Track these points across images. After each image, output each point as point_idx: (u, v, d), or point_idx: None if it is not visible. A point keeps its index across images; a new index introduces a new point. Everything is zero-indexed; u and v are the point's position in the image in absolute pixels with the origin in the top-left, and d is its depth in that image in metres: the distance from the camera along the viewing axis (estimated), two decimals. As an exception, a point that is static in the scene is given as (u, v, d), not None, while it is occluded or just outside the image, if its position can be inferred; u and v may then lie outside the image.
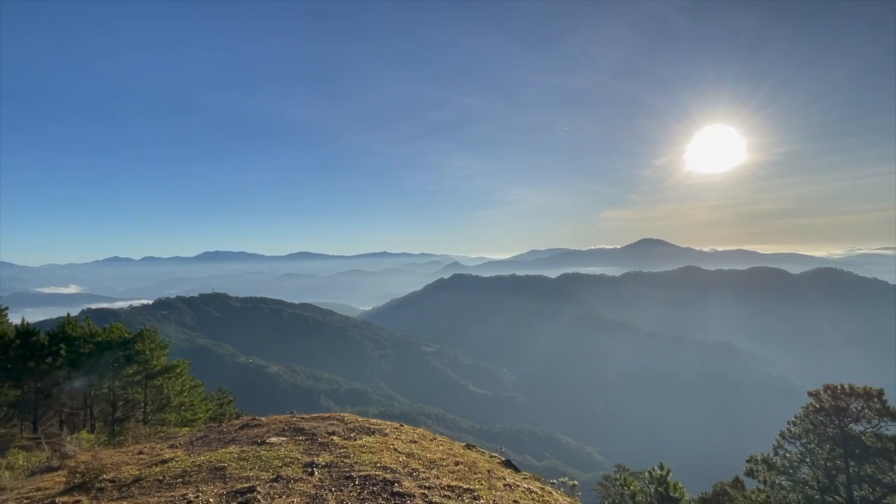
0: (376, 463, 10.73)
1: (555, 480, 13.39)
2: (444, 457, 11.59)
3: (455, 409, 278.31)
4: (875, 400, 26.71)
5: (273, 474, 10.31)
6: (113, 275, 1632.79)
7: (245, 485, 9.75)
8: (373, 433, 13.27)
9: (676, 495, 21.46)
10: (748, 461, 31.27)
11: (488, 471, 11.13)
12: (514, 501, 9.57)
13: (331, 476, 10.21)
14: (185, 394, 34.45)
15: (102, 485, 11.06)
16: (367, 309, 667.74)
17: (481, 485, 10.12)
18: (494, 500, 9.33)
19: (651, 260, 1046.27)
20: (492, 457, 13.63)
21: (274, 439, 13.02)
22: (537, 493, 10.25)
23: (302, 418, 16.11)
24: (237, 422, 17.39)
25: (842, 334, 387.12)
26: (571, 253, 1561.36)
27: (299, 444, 12.40)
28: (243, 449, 12.23)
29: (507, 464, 13.14)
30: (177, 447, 14.27)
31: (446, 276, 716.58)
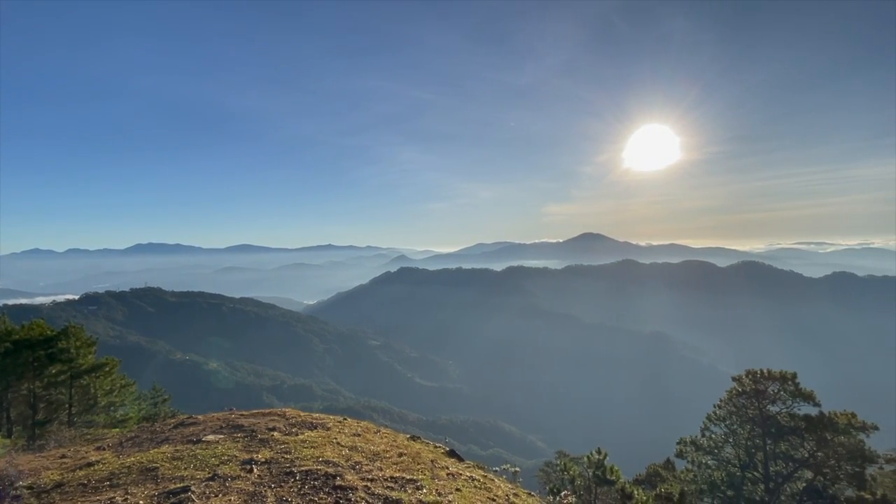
0: (318, 457, 10.58)
1: (497, 468, 13.70)
2: (388, 449, 11.60)
3: (401, 401, 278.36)
4: (789, 383, 28.96)
5: (209, 473, 9.95)
6: (33, 268, 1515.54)
7: (178, 485, 9.37)
8: (315, 428, 13.06)
9: (612, 478, 22.39)
10: (678, 443, 33.16)
11: (432, 461, 11.24)
12: (457, 489, 9.73)
13: (270, 472, 9.99)
14: (115, 393, 32.55)
15: (18, 492, 10.31)
16: (312, 303, 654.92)
17: (424, 475, 10.21)
18: (437, 489, 9.46)
19: (591, 253, 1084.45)
20: (436, 447, 13.76)
21: (211, 437, 12.57)
22: (479, 481, 10.46)
23: (241, 415, 15.64)
24: (172, 421, 16.66)
25: (763, 322, 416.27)
26: (516, 246, 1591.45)
27: (238, 442, 12.03)
28: (177, 448, 11.74)
29: (451, 453, 13.31)
30: (104, 449, 13.50)
31: (393, 269, 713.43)
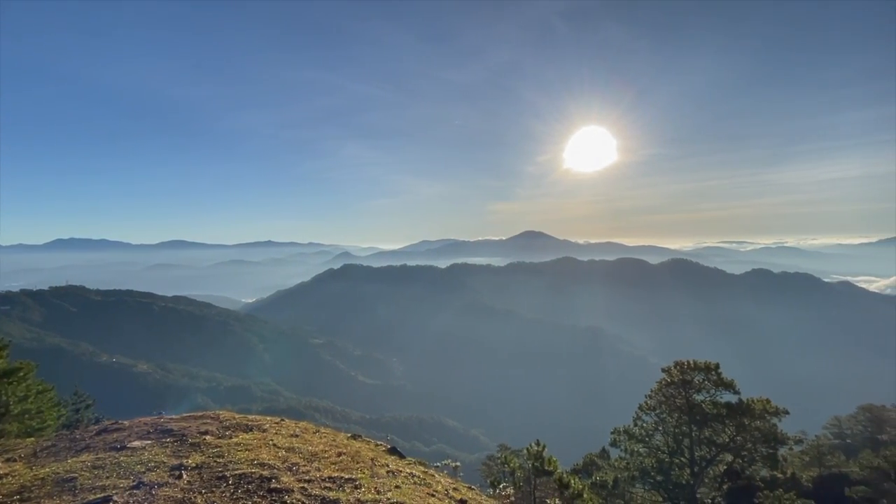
0: (253, 460, 10.22)
1: (438, 463, 13.79)
2: (327, 449, 11.38)
3: (344, 400, 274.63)
4: (712, 373, 30.90)
5: (133, 481, 9.39)
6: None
7: (99, 495, 8.77)
8: (251, 430, 12.62)
9: (550, 468, 23.10)
10: (612, 433, 34.63)
11: (372, 459, 11.15)
12: (396, 486, 9.71)
13: (201, 478, 9.56)
14: (31, 400, 29.99)
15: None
16: (251, 301, 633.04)
17: (363, 473, 10.11)
18: (376, 487, 9.39)
19: (533, 251, 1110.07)
20: (377, 445, 13.67)
21: (136, 443, 11.87)
22: (419, 477, 10.48)
23: (171, 419, 14.88)
24: (95, 427, 15.60)
25: (690, 316, 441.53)
26: (461, 244, 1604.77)
27: (166, 447, 11.44)
28: (99, 456, 11.00)
29: (393, 451, 13.27)
30: (16, 460, 12.44)
31: (336, 266, 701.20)
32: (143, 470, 10.03)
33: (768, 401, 30.61)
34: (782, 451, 32.02)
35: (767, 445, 30.68)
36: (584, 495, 24.35)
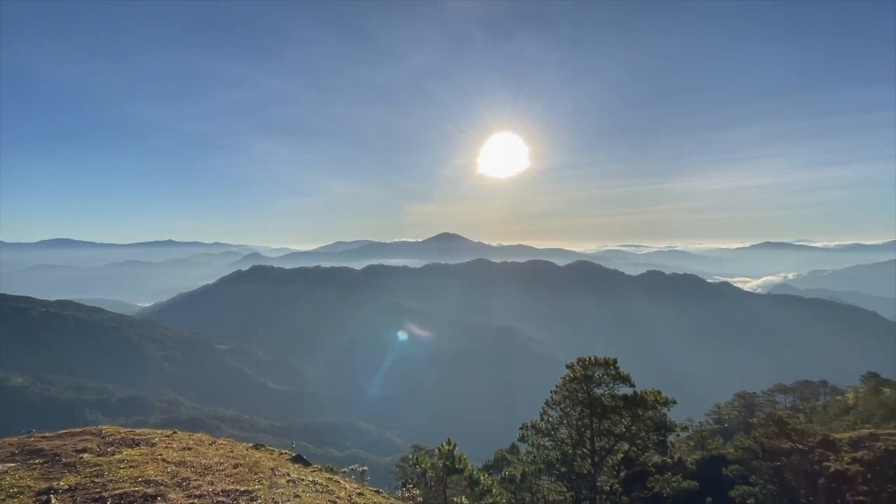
0: (137, 478, 9.36)
1: (346, 469, 13.49)
2: (223, 461, 10.69)
3: (253, 408, 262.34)
4: (611, 367, 32.92)
5: (-11, 511, 8.29)
6: None
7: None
8: (137, 445, 11.57)
9: (461, 466, 23.48)
10: (521, 428, 35.81)
11: (272, 469, 10.64)
12: (296, 496, 9.34)
13: (74, 501, 8.61)
14: None
15: None
16: (148, 305, 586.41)
17: (261, 484, 9.62)
18: (274, 498, 8.98)
19: (449, 253, 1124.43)
20: (280, 454, 13.10)
21: (-3, 467, 10.45)
22: (322, 485, 10.17)
23: (44, 437, 13.30)
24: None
25: (593, 315, 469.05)
26: (377, 245, 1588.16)
27: (34, 469, 10.19)
28: (-54, 486, 9.56)
29: (297, 459, 12.79)
30: None
31: (245, 267, 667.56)
32: (3, 497, 8.88)
33: (659, 392, 33.13)
34: (671, 437, 34.82)
35: (658, 433, 33.18)
36: (493, 491, 25.02)
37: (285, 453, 13.51)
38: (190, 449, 11.36)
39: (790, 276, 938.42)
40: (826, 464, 39.27)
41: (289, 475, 10.34)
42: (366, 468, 14.55)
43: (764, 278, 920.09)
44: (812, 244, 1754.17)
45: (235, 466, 10.33)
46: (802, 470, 36.26)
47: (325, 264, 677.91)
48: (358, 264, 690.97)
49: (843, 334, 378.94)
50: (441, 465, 23.82)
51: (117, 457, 10.67)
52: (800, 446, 37.01)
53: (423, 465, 24.45)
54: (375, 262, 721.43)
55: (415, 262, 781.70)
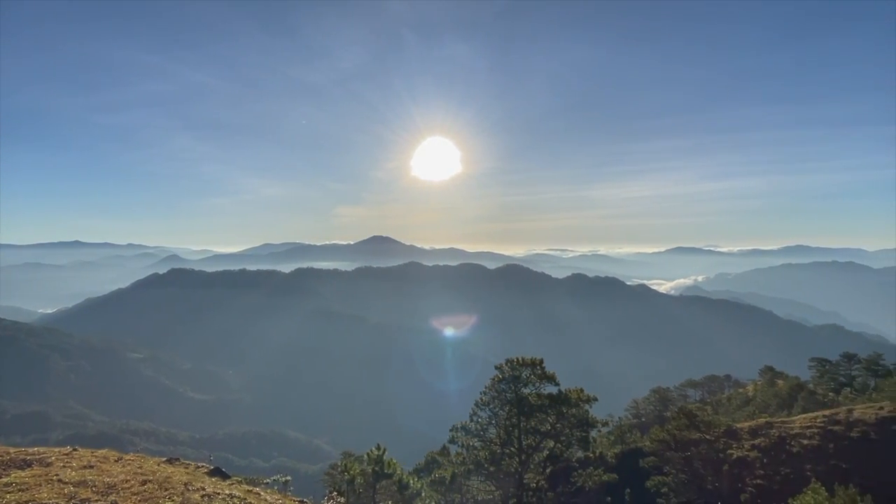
0: (27, 502, 8.51)
1: (268, 480, 13.00)
2: (129, 478, 9.92)
3: (171, 420, 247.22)
4: (538, 367, 34.01)
5: None
6: None
7: None
8: (29, 465, 10.47)
9: (390, 471, 23.34)
10: (451, 430, 36.14)
11: (185, 484, 10.02)
12: (213, 511, 8.89)
13: (-46, 532, 7.70)
14: None
15: None
16: (51, 311, 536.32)
17: (172, 501, 9.03)
18: (188, 515, 8.48)
19: (381, 256, 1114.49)
20: (197, 467, 12.38)
21: None
22: (239, 497, 9.69)
23: (-83, 462, 11.74)
24: None
25: (521, 316, 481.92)
26: (306, 247, 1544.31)
27: None
28: None
29: (215, 472, 12.15)
30: None
31: (162, 270, 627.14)
32: None
33: (582, 390, 34.62)
34: (593, 433, 36.46)
35: (581, 430, 34.64)
36: (423, 493, 25.08)
37: (202, 466, 12.80)
38: (92, 467, 10.43)
39: (699, 278, 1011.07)
40: (730, 451, 42.64)
41: (204, 490, 9.77)
42: (289, 478, 14.10)
43: (677, 281, 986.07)
44: (718, 249, 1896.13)
45: (144, 483, 9.61)
46: (709, 458, 39.13)
47: (251, 267, 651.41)
48: (286, 267, 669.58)
49: (744, 332, 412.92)
50: (370, 470, 23.57)
51: (4, 480, 9.61)
52: (707, 436, 39.92)
53: (351, 472, 24.06)
54: (304, 264, 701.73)
55: (346, 265, 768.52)
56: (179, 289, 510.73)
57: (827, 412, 46.22)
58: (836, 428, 42.04)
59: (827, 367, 68.02)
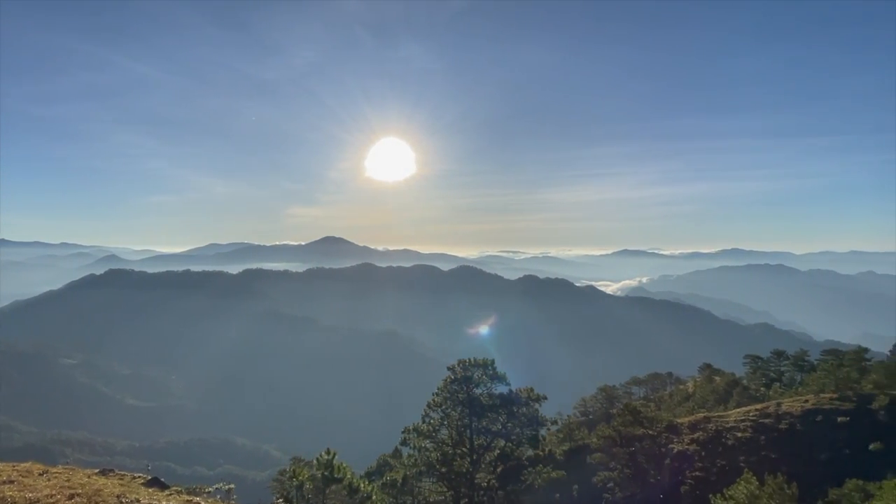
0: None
1: (211, 488, 12.55)
2: (55, 493, 9.31)
3: (108, 429, 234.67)
4: (489, 368, 34.44)
5: None
6: None
7: None
8: (-57, 482, 9.68)
9: (340, 475, 23.01)
10: (403, 432, 36.01)
11: (118, 496, 9.51)
12: (149, 523, 8.50)
13: None
14: None
15: None
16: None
17: (105, 514, 8.60)
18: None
19: (333, 257, 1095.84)
20: (133, 478, 11.78)
21: None
22: (179, 507, 9.34)
23: None
24: None
25: (475, 318, 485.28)
26: (256, 248, 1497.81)
27: None
28: None
29: (153, 482, 11.61)
30: None
31: (99, 271, 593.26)
32: None
33: (532, 389, 35.33)
34: (543, 431, 37.30)
35: (531, 428, 35.36)
36: (374, 497, 24.85)
37: (139, 477, 12.19)
38: (13, 482, 9.70)
39: (644, 280, 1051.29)
40: (671, 446, 44.61)
41: (139, 501, 9.29)
42: (232, 486, 13.65)
43: (623, 282, 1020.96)
44: (661, 252, 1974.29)
45: (71, 498, 9.03)
46: (652, 453, 40.78)
47: (196, 268, 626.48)
48: (234, 268, 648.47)
49: (685, 331, 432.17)
50: (319, 475, 23.15)
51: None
52: (650, 432, 41.57)
53: (300, 478, 23.53)
54: (253, 265, 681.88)
55: (297, 266, 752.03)
56: (118, 290, 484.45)
57: (758, 406, 49.15)
58: (766, 421, 44.76)
59: (759, 363, 72.20)
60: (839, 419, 41.58)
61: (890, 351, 66.92)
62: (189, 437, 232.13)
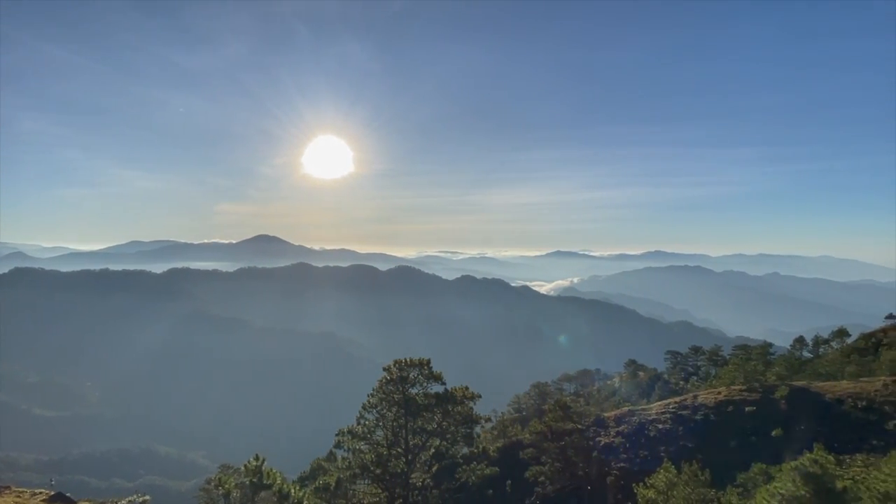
0: None
1: (123, 501, 11.90)
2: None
3: (11, 442, 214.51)
4: (425, 367, 34.60)
5: None
6: None
7: None
8: None
9: (269, 482, 22.41)
10: (337, 434, 35.49)
11: (21, 513, 8.87)
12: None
13: None
14: None
15: None
16: None
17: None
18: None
19: (266, 256, 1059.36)
20: (33, 495, 10.94)
21: None
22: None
23: None
24: None
25: (412, 318, 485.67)
26: (182, 246, 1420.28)
27: None
28: None
29: (56, 498, 10.84)
30: None
31: (4, 269, 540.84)
32: None
33: (467, 388, 35.85)
34: (477, 429, 37.91)
35: (466, 426, 35.85)
36: (305, 502, 24.35)
37: (40, 493, 11.34)
38: None
39: (575, 280, 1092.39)
40: (598, 439, 46.74)
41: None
42: (147, 497, 13.03)
43: (555, 282, 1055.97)
44: (591, 253, 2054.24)
45: (-32, 518, 8.32)
46: (581, 446, 42.52)
47: (115, 267, 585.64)
48: (158, 267, 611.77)
49: (612, 329, 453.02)
50: (248, 482, 22.44)
51: None
52: (579, 426, 43.37)
53: (226, 486, 22.71)
54: (179, 264, 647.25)
55: (227, 266, 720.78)
56: (25, 291, 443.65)
57: (677, 399, 52.46)
58: (684, 412, 47.84)
59: (679, 359, 77.21)
60: (747, 409, 45.12)
61: (791, 346, 73.53)
62: (107, 447, 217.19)
